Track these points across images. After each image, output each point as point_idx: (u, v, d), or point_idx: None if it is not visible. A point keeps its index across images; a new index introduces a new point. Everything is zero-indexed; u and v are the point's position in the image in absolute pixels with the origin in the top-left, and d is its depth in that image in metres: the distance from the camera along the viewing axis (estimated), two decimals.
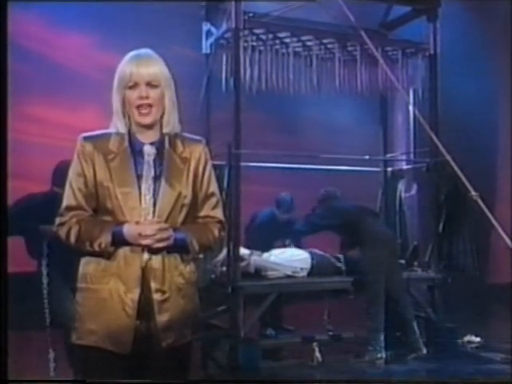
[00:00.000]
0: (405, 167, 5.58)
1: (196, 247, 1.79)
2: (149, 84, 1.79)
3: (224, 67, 4.87)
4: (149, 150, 1.80)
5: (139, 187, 1.76)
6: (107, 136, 1.82)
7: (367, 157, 5.22)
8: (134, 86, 1.79)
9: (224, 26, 4.63)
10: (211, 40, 4.93)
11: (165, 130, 1.83)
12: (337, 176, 5.55)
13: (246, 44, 4.67)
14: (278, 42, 4.89)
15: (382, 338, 4.43)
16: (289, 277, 4.58)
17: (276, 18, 4.78)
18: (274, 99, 5.28)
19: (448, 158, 4.50)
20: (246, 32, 4.55)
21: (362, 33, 4.68)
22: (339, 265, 4.80)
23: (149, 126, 1.81)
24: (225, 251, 4.50)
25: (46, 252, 3.28)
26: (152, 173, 1.78)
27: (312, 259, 4.72)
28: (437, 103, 5.11)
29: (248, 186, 4.58)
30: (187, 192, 1.81)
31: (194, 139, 1.91)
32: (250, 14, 4.52)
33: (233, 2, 4.43)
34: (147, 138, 1.82)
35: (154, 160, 1.80)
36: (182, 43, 6.08)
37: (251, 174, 4.90)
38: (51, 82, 6.15)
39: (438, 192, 5.08)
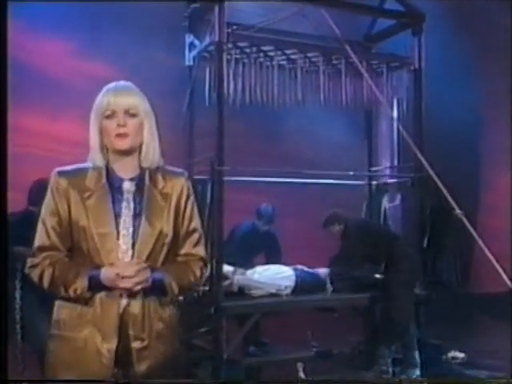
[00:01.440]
0: (389, 181, 5.54)
1: (175, 289, 1.70)
2: (127, 112, 1.71)
3: (207, 80, 4.79)
4: (128, 187, 1.71)
5: (117, 227, 1.66)
6: (83, 171, 1.72)
7: (351, 173, 5.17)
8: (112, 114, 1.70)
9: (207, 39, 4.54)
10: (194, 52, 4.83)
11: (144, 164, 1.74)
12: (321, 189, 5.52)
13: (229, 57, 4.59)
14: (262, 55, 4.82)
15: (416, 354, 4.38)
16: (273, 295, 4.49)
17: (260, 30, 4.71)
18: (258, 108, 5.22)
19: (431, 173, 4.49)
20: (230, 45, 4.47)
21: (347, 47, 4.64)
22: (324, 281, 4.73)
23: (127, 155, 1.71)
24: (208, 268, 4.42)
25: (20, 276, 3.13)
26: (131, 211, 1.69)
27: (297, 276, 4.65)
28: (421, 117, 5.08)
29: (230, 195, 4.51)
30: (168, 230, 1.72)
31: (175, 172, 1.82)
32: (234, 27, 4.43)
33: (216, 14, 4.35)
34: (126, 174, 1.73)
35: (134, 197, 1.71)
36: (165, 52, 5.99)
37: (233, 186, 4.83)
38: (31, 90, 6.00)
39: (423, 207, 5.05)
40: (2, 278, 2.15)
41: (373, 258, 4.71)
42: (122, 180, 1.72)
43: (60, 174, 1.71)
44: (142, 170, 1.74)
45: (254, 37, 4.60)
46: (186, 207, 1.77)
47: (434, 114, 5.38)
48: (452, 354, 5.13)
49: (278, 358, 4.64)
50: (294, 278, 4.64)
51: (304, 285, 4.65)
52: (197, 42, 4.81)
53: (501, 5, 6.43)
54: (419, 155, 4.57)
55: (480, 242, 3.81)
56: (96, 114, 1.71)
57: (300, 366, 4.22)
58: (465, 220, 3.96)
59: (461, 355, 5.14)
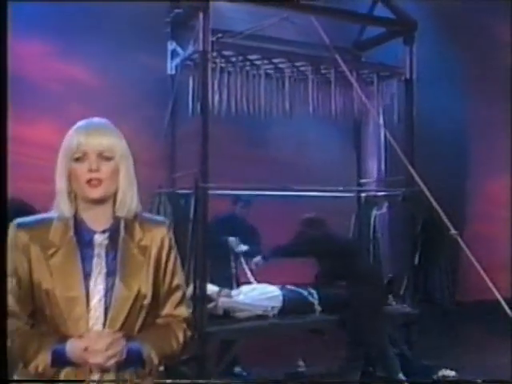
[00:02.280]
0: (379, 193, 5.36)
1: (155, 360, 1.47)
2: (100, 155, 1.47)
3: (191, 90, 4.56)
4: (100, 240, 1.47)
5: (87, 289, 1.43)
6: (47, 223, 1.47)
7: (341, 188, 4.98)
8: (83, 157, 1.47)
9: (191, 47, 4.31)
10: (177, 60, 4.59)
11: (119, 214, 1.51)
12: (308, 201, 5.33)
13: (214, 65, 4.37)
14: (248, 63, 4.60)
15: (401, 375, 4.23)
16: (259, 317, 4.29)
17: (247, 37, 4.50)
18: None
19: (423, 188, 4.33)
20: (215, 53, 4.25)
21: (337, 56, 4.45)
22: (312, 300, 4.54)
23: (100, 204, 1.48)
24: (191, 289, 4.19)
25: None
26: (104, 269, 1.45)
27: (284, 296, 4.45)
28: (413, 129, 4.91)
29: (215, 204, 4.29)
30: (147, 290, 1.49)
31: (155, 221, 1.59)
32: (219, 35, 4.21)
33: (200, 21, 4.12)
34: (98, 225, 1.49)
35: (107, 252, 1.47)
36: (147, 59, 5.74)
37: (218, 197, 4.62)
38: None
39: (414, 222, 4.89)
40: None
41: (334, 273, 4.52)
42: (93, 233, 1.48)
43: (19, 226, 1.46)
44: (117, 219, 1.51)
45: (240, 45, 4.38)
46: (167, 261, 1.55)
47: (424, 124, 5.23)
48: (443, 372, 4.98)
49: (263, 380, 4.44)
50: (281, 298, 4.44)
51: (291, 305, 4.46)
52: (180, 50, 4.57)
53: (492, 13, 6.30)
54: (410, 169, 4.41)
55: (475, 262, 3.67)
56: (64, 155, 1.47)
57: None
58: (460, 240, 3.81)
59: (452, 373, 4.99)
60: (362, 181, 5.51)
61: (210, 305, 4.07)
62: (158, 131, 4.67)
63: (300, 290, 4.59)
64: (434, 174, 5.09)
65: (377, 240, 5.29)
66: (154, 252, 1.52)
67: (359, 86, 4.64)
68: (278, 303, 4.40)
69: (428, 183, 4.41)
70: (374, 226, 5.33)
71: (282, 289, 4.49)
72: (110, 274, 1.45)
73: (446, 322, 5.00)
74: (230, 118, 4.51)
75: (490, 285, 3.21)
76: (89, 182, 1.46)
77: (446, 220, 3.78)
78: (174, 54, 4.61)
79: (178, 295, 1.57)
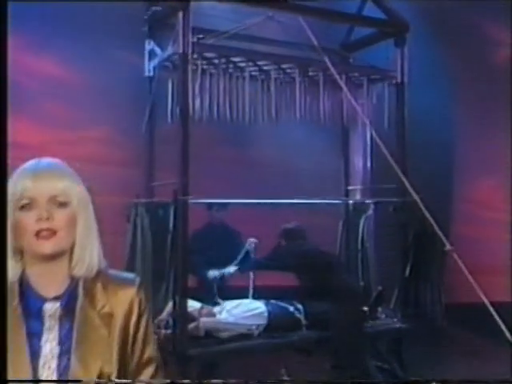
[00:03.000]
0: (368, 201, 5.13)
1: None
2: (53, 200, 1.20)
3: (170, 94, 4.27)
4: (51, 310, 1.19)
5: (35, 372, 1.16)
6: None
7: (328, 201, 4.75)
8: (30, 204, 1.19)
9: (170, 48, 4.01)
10: (155, 61, 4.29)
11: (77, 273, 1.24)
12: (295, 208, 5.09)
13: (195, 67, 4.08)
14: (231, 65, 4.32)
15: None
16: (243, 336, 4.03)
17: (231, 37, 4.21)
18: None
19: (416, 199, 4.11)
20: (196, 55, 3.96)
21: (326, 59, 4.20)
22: (298, 316, 4.31)
23: (52, 261, 1.20)
24: (170, 306, 3.93)
25: None
26: (56, 348, 1.18)
27: (269, 313, 4.20)
28: (404, 135, 4.68)
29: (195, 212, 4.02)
30: (111, 369, 1.21)
31: (122, 280, 1.30)
32: (201, 36, 3.92)
33: (180, 20, 3.83)
34: (50, 289, 1.21)
35: (60, 325, 1.19)
36: (124, 59, 5.42)
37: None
38: None
39: (405, 233, 4.67)
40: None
41: (314, 289, 4.30)
42: (42, 300, 1.21)
43: None
44: (74, 281, 1.24)
45: (223, 47, 4.10)
46: (137, 331, 1.26)
47: (414, 128, 5.00)
48: None
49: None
50: (266, 314, 4.19)
51: (277, 322, 4.21)
52: (158, 50, 4.27)
53: (484, 12, 6.10)
54: (403, 178, 4.19)
55: (470, 279, 3.48)
56: (7, 204, 1.20)
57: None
58: (455, 256, 3.60)
59: None
60: (350, 188, 5.28)
61: (191, 325, 3.80)
62: (136, 135, 4.38)
63: (286, 305, 4.35)
64: (423, 177, 4.89)
65: (365, 250, 5.07)
66: (119, 321, 1.24)
67: (349, 90, 4.40)
68: (263, 321, 4.15)
69: (420, 192, 4.21)
70: (363, 235, 5.10)
71: (267, 304, 4.24)
72: (64, 352, 1.17)
73: (436, 337, 4.82)
74: (212, 123, 4.24)
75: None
76: (38, 233, 1.18)
77: (440, 235, 3.58)
78: (151, 54, 4.31)
79: (149, 370, 1.30)
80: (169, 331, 3.77)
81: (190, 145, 3.80)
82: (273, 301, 4.42)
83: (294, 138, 5.30)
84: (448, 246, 3.56)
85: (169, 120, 4.20)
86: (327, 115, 4.58)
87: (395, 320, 4.65)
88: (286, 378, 4.39)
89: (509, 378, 3.35)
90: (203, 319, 3.85)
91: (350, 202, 5.22)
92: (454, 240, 4.30)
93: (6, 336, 1.11)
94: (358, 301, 4.44)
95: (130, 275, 1.34)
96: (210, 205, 4.71)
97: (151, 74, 4.32)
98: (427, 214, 4.02)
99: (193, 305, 4.06)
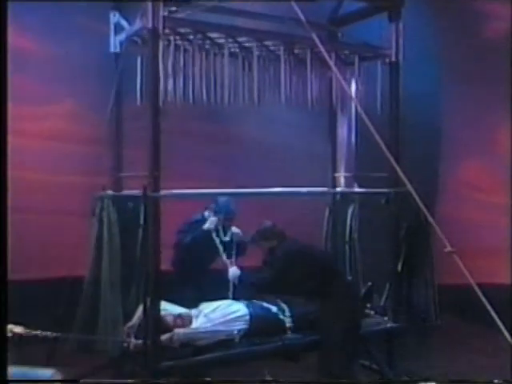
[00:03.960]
0: (358, 190, 4.75)
1: None
2: None
3: (139, 72, 3.80)
4: None
5: None
6: None
7: (313, 189, 4.37)
8: None
9: (138, 22, 3.53)
10: (122, 36, 3.80)
11: None
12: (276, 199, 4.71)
13: (167, 42, 3.61)
14: (208, 42, 3.86)
15: None
16: (223, 342, 3.67)
17: (208, 10, 3.74)
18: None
19: (411, 190, 3.75)
20: (168, 31, 3.49)
21: (314, 35, 3.75)
22: (283, 318, 3.96)
23: None
24: (140, 311, 3.53)
25: None
26: None
27: (250, 316, 3.84)
28: (398, 118, 4.30)
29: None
30: None
31: None
32: (173, 8, 3.44)
33: None
34: None
35: None
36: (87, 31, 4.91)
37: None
38: None
39: (398, 226, 4.32)
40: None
41: (304, 288, 3.95)
42: None
43: None
44: None
45: (199, 22, 3.63)
46: None
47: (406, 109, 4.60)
48: None
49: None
50: (247, 317, 3.83)
51: (259, 325, 3.86)
52: (125, 23, 3.78)
53: None
54: (396, 167, 3.80)
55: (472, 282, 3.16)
56: None
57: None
58: (457, 258, 3.26)
59: None
60: (337, 174, 4.89)
61: (165, 336, 3.42)
62: (104, 112, 3.89)
63: (269, 307, 4.00)
64: (413, 159, 4.52)
65: (353, 241, 4.72)
66: None
67: (338, 69, 3.97)
68: (245, 325, 3.79)
69: (412, 180, 3.86)
70: (351, 226, 4.75)
71: (248, 306, 3.88)
72: None
73: (429, 336, 4.52)
74: (186, 106, 3.79)
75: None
76: None
77: (439, 233, 3.22)
78: (117, 28, 3.82)
79: None
80: (139, 341, 3.39)
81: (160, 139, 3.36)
82: (255, 301, 4.07)
83: (277, 121, 4.88)
84: (448, 248, 3.22)
85: (138, 102, 3.74)
86: (315, 97, 4.15)
87: (385, 318, 4.34)
88: (269, 378, 4.08)
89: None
90: (178, 330, 3.47)
91: (338, 189, 4.85)
92: (442, 221, 3.99)
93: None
94: (348, 298, 4.08)
95: None
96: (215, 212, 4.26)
97: (117, 50, 3.84)
98: (422, 206, 3.68)
99: (165, 308, 3.69)
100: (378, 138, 3.75)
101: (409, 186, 3.73)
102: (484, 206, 6.73)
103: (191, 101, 3.79)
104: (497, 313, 2.49)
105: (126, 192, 3.91)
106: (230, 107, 3.93)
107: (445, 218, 5.49)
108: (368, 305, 4.48)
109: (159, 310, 3.49)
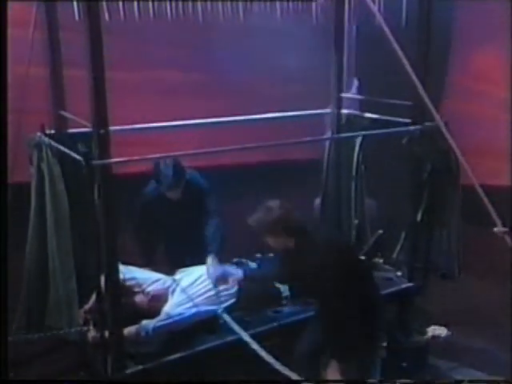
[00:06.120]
0: (367, 115, 3.81)
1: None
2: None
3: None
4: None
5: None
6: None
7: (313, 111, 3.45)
8: None
9: None
10: None
11: None
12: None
13: None
14: None
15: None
16: (204, 324, 2.98)
17: None
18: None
19: (440, 123, 2.88)
20: None
21: None
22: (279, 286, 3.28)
23: None
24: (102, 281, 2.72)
25: None
26: None
27: (239, 285, 3.14)
28: (429, 33, 3.28)
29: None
30: None
31: None
32: None
33: None
34: None
35: None
36: None
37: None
38: None
39: (420, 166, 3.48)
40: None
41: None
42: None
43: None
44: None
45: None
46: None
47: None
48: (432, 331, 3.97)
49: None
50: (235, 288, 3.14)
51: (250, 294, 3.17)
52: None
53: None
54: (425, 97, 2.88)
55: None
56: None
57: None
58: (508, 238, 2.48)
59: (443, 331, 3.99)
60: (344, 95, 3.92)
61: (128, 330, 2.69)
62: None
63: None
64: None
65: (360, 178, 3.88)
66: None
67: None
68: (232, 298, 3.10)
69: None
70: (358, 159, 3.89)
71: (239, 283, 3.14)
72: None
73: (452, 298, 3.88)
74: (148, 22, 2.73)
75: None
76: None
77: (491, 211, 2.42)
78: None
79: None
80: (97, 334, 2.66)
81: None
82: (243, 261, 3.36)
83: (272, 35, 3.80)
84: (500, 227, 2.44)
85: (76, 17, 2.68)
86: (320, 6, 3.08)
87: (399, 274, 3.66)
88: None
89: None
90: (146, 322, 2.74)
91: (344, 111, 3.91)
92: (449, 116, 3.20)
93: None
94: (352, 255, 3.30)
95: None
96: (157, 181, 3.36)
97: None
98: (454, 145, 2.84)
99: (137, 276, 2.97)
100: (401, 55, 2.79)
101: (438, 119, 2.89)
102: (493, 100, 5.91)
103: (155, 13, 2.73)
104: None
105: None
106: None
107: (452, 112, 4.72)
108: (378, 253, 3.79)
109: (118, 279, 2.67)
